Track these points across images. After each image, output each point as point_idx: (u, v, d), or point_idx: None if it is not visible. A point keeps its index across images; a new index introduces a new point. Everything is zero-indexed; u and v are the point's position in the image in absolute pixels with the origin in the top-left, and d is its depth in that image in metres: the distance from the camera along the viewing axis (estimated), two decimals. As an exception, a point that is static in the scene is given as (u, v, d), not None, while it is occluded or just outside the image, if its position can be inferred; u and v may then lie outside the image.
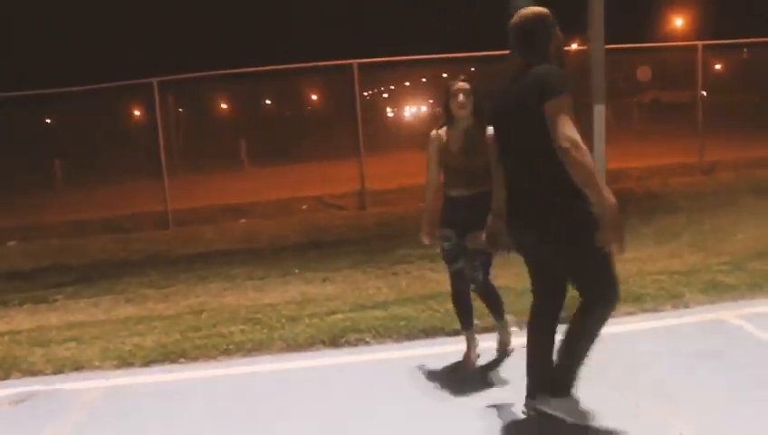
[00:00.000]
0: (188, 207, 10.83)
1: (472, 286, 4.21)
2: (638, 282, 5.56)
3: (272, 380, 4.21)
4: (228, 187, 12.40)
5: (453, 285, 4.25)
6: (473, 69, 10.78)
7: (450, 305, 5.17)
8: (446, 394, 3.89)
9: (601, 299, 3.22)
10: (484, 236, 3.76)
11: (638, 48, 13.95)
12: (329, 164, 13.60)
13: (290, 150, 13.89)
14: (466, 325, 4.29)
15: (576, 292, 3.30)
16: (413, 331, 4.79)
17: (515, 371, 3.82)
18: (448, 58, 11.05)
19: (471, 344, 4.30)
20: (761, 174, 11.64)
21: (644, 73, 18.86)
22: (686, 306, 5.08)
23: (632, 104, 22.34)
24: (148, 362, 4.57)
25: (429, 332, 4.80)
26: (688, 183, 11.24)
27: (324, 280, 6.75)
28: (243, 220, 10.33)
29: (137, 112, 12.66)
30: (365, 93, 11.32)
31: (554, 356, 3.36)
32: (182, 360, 4.57)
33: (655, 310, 5.04)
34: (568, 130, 2.90)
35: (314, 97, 16.28)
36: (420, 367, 4.22)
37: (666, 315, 4.96)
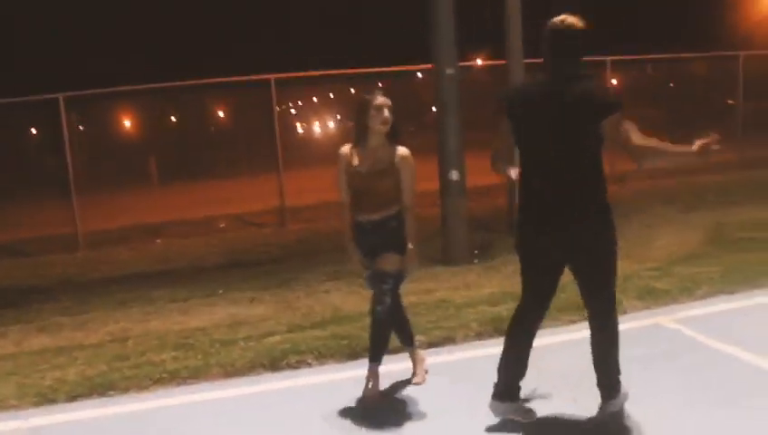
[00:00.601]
0: (99, 229, 10.27)
1: (378, 309, 3.87)
2: (574, 289, 5.60)
3: (212, 410, 3.95)
4: (139, 205, 11.87)
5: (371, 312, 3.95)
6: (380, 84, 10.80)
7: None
8: (396, 414, 3.77)
9: (613, 299, 3.49)
10: (392, 258, 3.79)
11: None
12: (244, 181, 13.30)
13: (203, 168, 13.48)
14: (381, 356, 3.99)
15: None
16: (356, 350, 4.63)
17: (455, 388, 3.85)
18: (367, 73, 11.02)
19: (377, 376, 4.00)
20: (666, 184, 12.18)
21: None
22: (625, 312, 5.14)
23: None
24: (72, 398, 4.17)
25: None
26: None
27: (252, 300, 6.51)
28: (158, 240, 9.90)
29: (39, 129, 11.92)
30: (282, 108, 11.09)
31: (597, 365, 3.51)
32: (111, 393, 4.21)
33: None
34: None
35: (227, 113, 15.89)
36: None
37: (603, 322, 5.01)
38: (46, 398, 4.19)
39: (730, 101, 22.19)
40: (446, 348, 4.71)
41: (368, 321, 5.14)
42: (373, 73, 11.24)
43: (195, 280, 7.63)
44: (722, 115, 19.64)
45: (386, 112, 3.75)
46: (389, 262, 3.83)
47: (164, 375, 4.36)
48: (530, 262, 3.51)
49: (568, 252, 3.38)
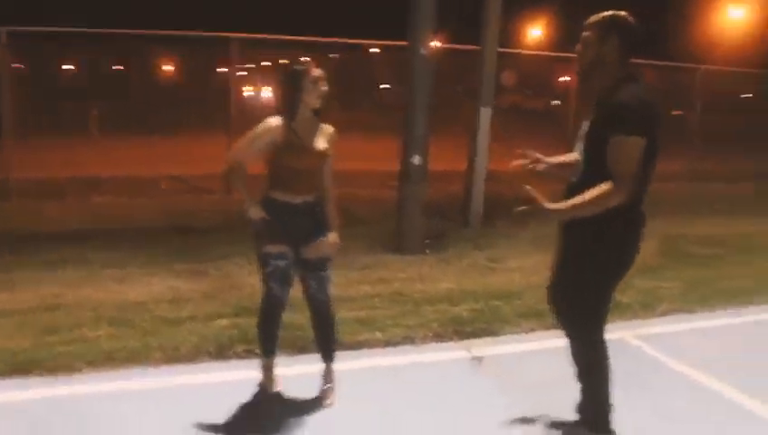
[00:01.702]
0: (32, 178, 9.57)
1: (324, 299, 3.63)
2: (534, 296, 5.45)
3: (150, 400, 3.61)
4: (76, 158, 11.17)
5: (274, 306, 3.53)
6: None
7: (346, 313, 4.84)
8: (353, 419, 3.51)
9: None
10: (328, 243, 3.57)
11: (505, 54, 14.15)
12: (190, 142, 12.69)
13: (149, 123, 12.77)
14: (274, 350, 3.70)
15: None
16: (307, 342, 4.32)
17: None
18: (333, 43, 10.62)
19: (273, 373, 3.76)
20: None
21: (508, 79, 19.40)
22: (587, 325, 5.02)
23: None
24: (-11, 376, 3.75)
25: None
26: (552, 190, 11.50)
27: (194, 273, 6.13)
28: (96, 197, 9.31)
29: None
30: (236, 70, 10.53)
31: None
32: (37, 372, 3.79)
33: (555, 327, 4.92)
34: None
35: (180, 68, 15.16)
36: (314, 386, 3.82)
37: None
38: (-39, 374, 3.74)
39: (676, 112, 22.73)
40: (403, 348, 4.46)
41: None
42: (340, 44, 10.85)
43: (133, 244, 7.15)
44: (669, 125, 20.09)
45: (324, 86, 3.45)
46: (328, 246, 3.59)
47: (98, 356, 3.96)
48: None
49: None
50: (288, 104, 3.44)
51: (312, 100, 3.42)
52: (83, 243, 7.10)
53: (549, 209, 2.97)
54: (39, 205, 8.62)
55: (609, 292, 3.27)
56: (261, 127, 3.42)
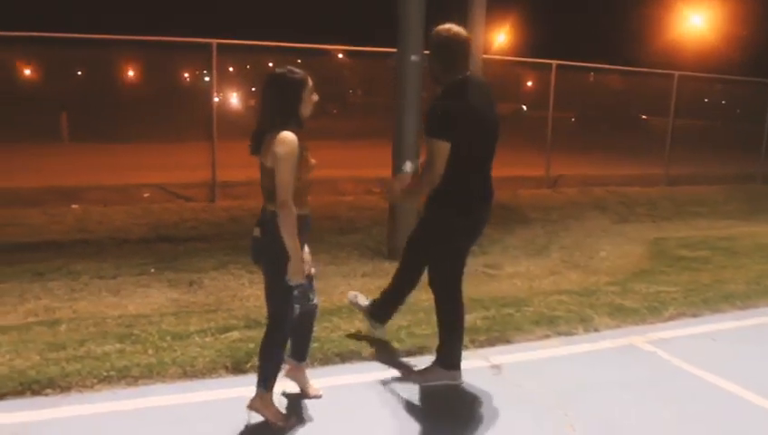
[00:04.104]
0: (7, 186, 9.23)
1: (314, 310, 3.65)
2: (542, 303, 5.41)
3: (171, 417, 3.45)
4: (49, 165, 10.84)
5: (288, 328, 3.42)
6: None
7: (359, 324, 4.74)
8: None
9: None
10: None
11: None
12: (168, 149, 12.44)
13: (122, 129, 12.47)
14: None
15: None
16: (327, 354, 4.23)
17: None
18: (323, 49, 10.50)
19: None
20: (595, 192, 12.31)
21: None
22: (597, 330, 5.01)
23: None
24: (1, 395, 3.56)
25: (345, 356, 4.26)
26: (536, 195, 11.57)
27: (191, 283, 5.96)
28: (75, 205, 9.00)
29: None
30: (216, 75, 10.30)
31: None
32: (49, 391, 3.61)
33: (568, 333, 4.90)
34: None
35: (157, 74, 14.87)
36: (342, 399, 3.71)
37: (579, 340, 4.84)
38: (-32, 393, 3.54)
39: (643, 117, 23.16)
40: (421, 359, 4.35)
41: (336, 321, 4.81)
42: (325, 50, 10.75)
43: (119, 254, 6.95)
44: (636, 128, 20.46)
45: (315, 96, 3.33)
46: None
47: (111, 373, 3.78)
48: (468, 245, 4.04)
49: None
50: (288, 114, 3.22)
51: (307, 110, 3.29)
52: (67, 252, 6.88)
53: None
54: (16, 214, 8.31)
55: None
56: (289, 147, 3.13)
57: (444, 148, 3.58)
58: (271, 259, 3.28)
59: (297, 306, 3.39)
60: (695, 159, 14.43)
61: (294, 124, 3.21)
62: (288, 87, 3.22)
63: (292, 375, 3.75)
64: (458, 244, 3.92)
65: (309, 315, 3.62)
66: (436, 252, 3.93)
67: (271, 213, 3.23)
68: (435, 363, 4.02)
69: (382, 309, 4.39)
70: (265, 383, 3.40)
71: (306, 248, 3.44)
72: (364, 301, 4.53)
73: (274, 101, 3.21)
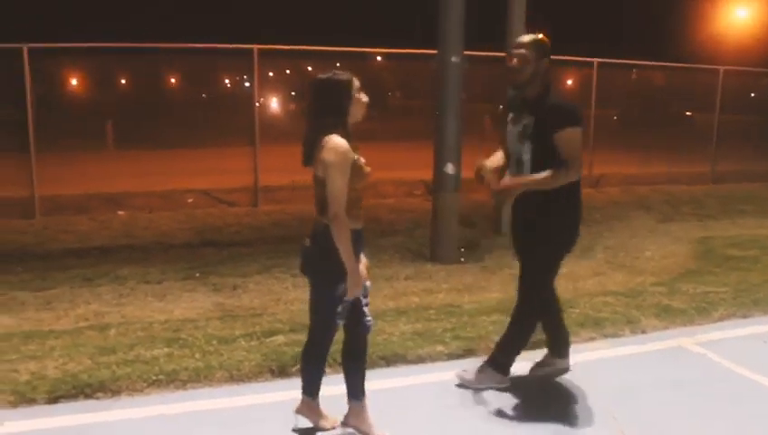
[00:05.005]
0: (57, 194, 9.47)
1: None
2: (588, 304, 5.35)
3: (219, 421, 3.50)
4: (96, 172, 11.08)
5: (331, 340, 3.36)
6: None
7: (403, 326, 4.75)
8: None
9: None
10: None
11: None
12: (210, 155, 12.60)
13: (165, 136, 12.70)
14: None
15: None
16: (372, 357, 4.23)
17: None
18: (358, 52, 10.55)
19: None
20: (639, 191, 12.12)
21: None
22: (644, 332, 4.93)
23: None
24: (54, 398, 3.64)
25: (390, 359, 4.27)
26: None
27: (235, 288, 6.03)
28: (121, 212, 9.20)
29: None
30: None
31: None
32: (100, 395, 3.69)
33: (615, 335, 4.83)
34: None
35: (198, 80, 15.07)
36: (389, 402, 3.70)
37: (626, 341, 4.78)
38: (24, 397, 3.63)
39: (688, 113, 22.68)
40: (467, 361, 4.33)
41: (380, 325, 4.80)
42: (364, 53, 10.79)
43: (165, 259, 7.07)
44: (680, 125, 20.05)
45: (365, 97, 3.16)
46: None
47: (160, 377, 3.85)
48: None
49: None
50: (339, 114, 3.07)
51: (358, 112, 3.15)
52: (114, 257, 7.03)
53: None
54: (65, 221, 8.52)
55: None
56: (340, 152, 2.98)
57: (581, 139, 3.58)
58: (320, 273, 3.17)
59: (340, 322, 3.24)
60: (741, 155, 14.09)
61: (342, 128, 3.07)
62: (336, 87, 3.09)
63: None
64: (572, 246, 3.85)
65: (362, 337, 3.35)
66: (550, 253, 3.83)
67: (324, 226, 3.07)
68: (487, 364, 3.97)
69: (563, 347, 4.12)
70: (310, 390, 3.40)
71: (364, 260, 3.31)
72: (540, 362, 4.19)
73: (324, 103, 3.08)
